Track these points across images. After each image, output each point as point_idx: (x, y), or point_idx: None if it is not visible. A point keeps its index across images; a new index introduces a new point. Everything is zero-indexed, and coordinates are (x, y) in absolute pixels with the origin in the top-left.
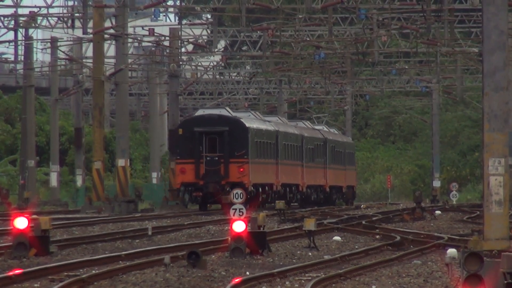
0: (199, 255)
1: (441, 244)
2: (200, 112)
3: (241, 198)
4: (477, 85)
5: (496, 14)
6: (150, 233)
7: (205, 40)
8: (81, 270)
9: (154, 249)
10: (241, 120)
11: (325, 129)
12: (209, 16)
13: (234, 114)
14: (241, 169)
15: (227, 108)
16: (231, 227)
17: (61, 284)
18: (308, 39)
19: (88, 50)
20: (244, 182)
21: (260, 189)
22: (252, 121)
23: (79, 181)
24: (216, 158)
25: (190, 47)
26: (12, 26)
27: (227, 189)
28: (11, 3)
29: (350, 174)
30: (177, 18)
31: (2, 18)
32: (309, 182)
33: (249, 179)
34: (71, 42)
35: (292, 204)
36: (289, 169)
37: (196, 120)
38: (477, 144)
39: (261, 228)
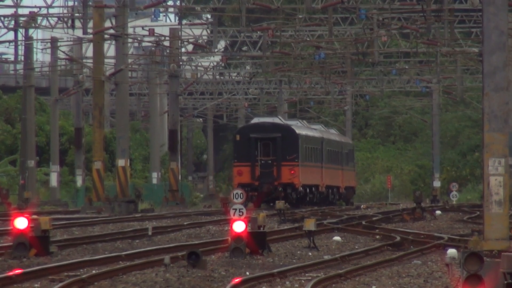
0: (199, 255)
1: (441, 244)
2: (255, 120)
3: (241, 198)
4: (477, 85)
5: (496, 15)
6: (150, 233)
7: (205, 40)
8: (81, 270)
9: (154, 249)
10: (292, 127)
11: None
12: (209, 16)
13: (285, 122)
14: (292, 171)
15: (279, 117)
16: (231, 227)
17: (61, 284)
18: (308, 39)
19: (88, 50)
20: (295, 183)
21: (308, 190)
22: (301, 129)
23: (79, 181)
24: (270, 161)
25: (190, 47)
26: (12, 26)
27: (280, 189)
28: (11, 3)
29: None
30: (177, 18)
31: (2, 18)
32: (345, 184)
33: (299, 180)
34: (71, 42)
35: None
36: (331, 172)
37: (252, 127)
38: (477, 144)
39: (261, 228)
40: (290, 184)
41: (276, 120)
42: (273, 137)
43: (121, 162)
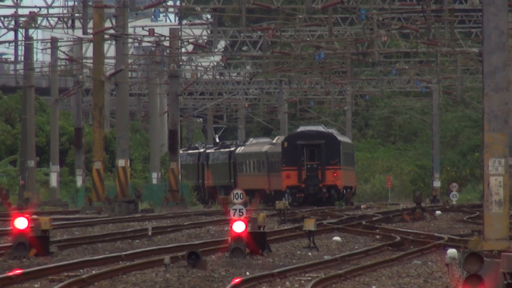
0: (199, 256)
1: (441, 244)
2: (301, 129)
3: (241, 199)
4: (477, 85)
5: (496, 15)
6: (150, 233)
7: (205, 40)
8: (81, 270)
9: (154, 250)
10: (335, 134)
11: None
12: (209, 16)
13: (327, 130)
14: (335, 174)
15: (322, 125)
16: (231, 227)
17: (61, 284)
18: (308, 39)
19: (88, 50)
20: (338, 184)
21: (345, 190)
22: (340, 136)
23: (79, 182)
24: (315, 166)
25: (190, 47)
26: (12, 27)
27: (324, 190)
28: (11, 3)
29: None
30: (177, 18)
31: (2, 18)
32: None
33: (341, 182)
34: (71, 43)
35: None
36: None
37: (298, 135)
38: (477, 144)
39: (261, 229)
40: (333, 186)
41: (320, 128)
42: (318, 144)
43: (121, 162)
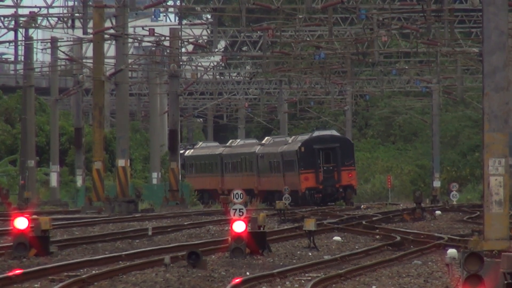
0: (199, 255)
1: (441, 244)
2: (316, 134)
3: (241, 198)
4: (477, 85)
5: (496, 15)
6: (150, 233)
7: (205, 40)
8: (81, 270)
9: (154, 249)
10: (348, 138)
11: None
12: (209, 16)
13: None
14: (350, 175)
15: (334, 130)
16: (231, 227)
17: (61, 284)
18: (308, 39)
19: (88, 50)
20: (353, 184)
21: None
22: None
23: (79, 181)
24: (331, 168)
25: (190, 47)
26: (12, 26)
27: (340, 190)
28: (11, 3)
29: None
30: (177, 18)
31: (2, 18)
32: None
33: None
34: (71, 42)
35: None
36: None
37: (314, 140)
38: (478, 144)
39: (261, 228)
40: (349, 186)
41: (334, 132)
42: (333, 147)
43: (121, 162)
